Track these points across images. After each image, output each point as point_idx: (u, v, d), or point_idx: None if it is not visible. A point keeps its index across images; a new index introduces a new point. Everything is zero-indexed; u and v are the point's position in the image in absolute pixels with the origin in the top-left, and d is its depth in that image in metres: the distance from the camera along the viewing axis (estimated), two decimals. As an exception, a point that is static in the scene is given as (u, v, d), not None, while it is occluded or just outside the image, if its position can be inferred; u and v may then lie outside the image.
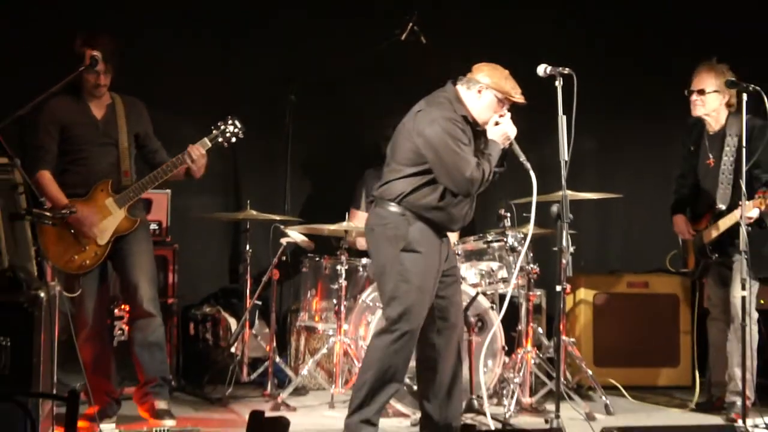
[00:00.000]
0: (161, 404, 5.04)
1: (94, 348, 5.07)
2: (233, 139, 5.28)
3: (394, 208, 4.57)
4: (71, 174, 5.07)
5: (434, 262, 4.56)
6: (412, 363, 5.38)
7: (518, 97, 4.60)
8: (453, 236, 5.44)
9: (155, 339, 5.11)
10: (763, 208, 5.14)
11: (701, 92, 5.40)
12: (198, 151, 5.09)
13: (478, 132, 4.67)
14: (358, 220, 6.32)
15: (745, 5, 6.83)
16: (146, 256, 5.14)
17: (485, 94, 4.60)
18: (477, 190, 4.54)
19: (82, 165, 5.07)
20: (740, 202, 4.98)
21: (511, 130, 4.63)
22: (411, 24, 6.22)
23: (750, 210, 5.10)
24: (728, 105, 5.45)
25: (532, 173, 4.55)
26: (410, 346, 4.55)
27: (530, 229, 4.67)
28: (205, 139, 5.20)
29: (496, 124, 4.63)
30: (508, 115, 4.64)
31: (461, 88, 4.63)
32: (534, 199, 4.55)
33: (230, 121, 5.27)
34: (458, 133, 4.47)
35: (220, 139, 5.23)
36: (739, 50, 6.56)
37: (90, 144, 5.09)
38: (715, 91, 5.38)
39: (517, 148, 4.67)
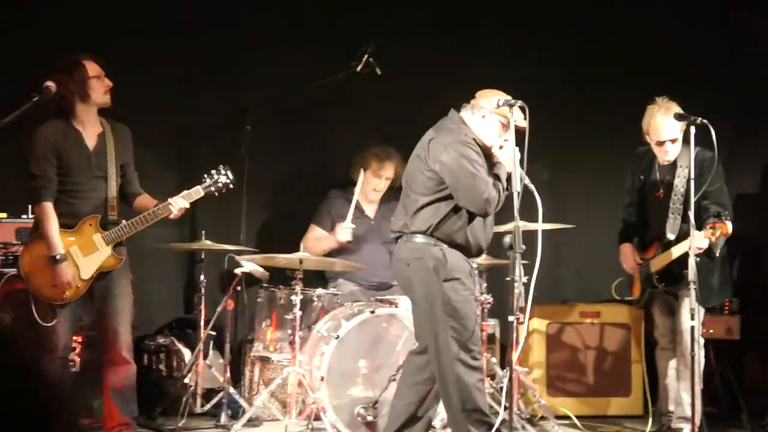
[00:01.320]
0: None
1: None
2: (224, 190, 5.29)
3: (425, 239, 4.68)
4: (60, 203, 4.99)
5: (471, 285, 4.71)
6: (368, 393, 5.37)
7: (521, 122, 4.70)
8: None
9: (129, 383, 5.13)
10: (713, 239, 5.17)
11: (674, 141, 5.42)
12: (181, 204, 5.09)
13: (485, 156, 4.76)
14: (313, 232, 6.36)
15: (693, 37, 6.92)
16: (127, 299, 5.14)
17: (489, 118, 4.73)
18: (494, 210, 4.68)
19: (72, 196, 5.01)
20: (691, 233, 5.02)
21: (517, 153, 4.72)
22: (367, 56, 6.23)
23: (700, 240, 5.13)
24: None
25: (536, 194, 4.63)
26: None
27: (539, 253, 4.66)
28: (199, 188, 5.20)
29: (500, 147, 4.75)
30: (512, 138, 4.71)
31: (466, 114, 4.76)
32: (540, 221, 4.63)
33: (223, 171, 5.29)
34: (473, 154, 4.60)
35: (212, 189, 5.25)
36: (685, 80, 6.65)
37: (81, 176, 5.03)
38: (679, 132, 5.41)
39: (521, 170, 4.72)
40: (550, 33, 6.97)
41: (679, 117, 5.25)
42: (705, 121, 4.91)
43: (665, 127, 5.39)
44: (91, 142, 5.07)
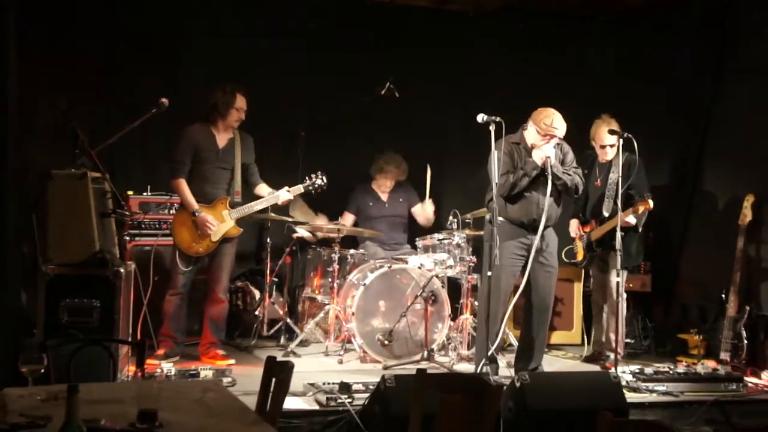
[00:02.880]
0: (221, 351, 5.26)
1: (175, 304, 5.19)
2: (319, 190, 5.44)
3: (486, 211, 4.85)
4: (193, 185, 5.16)
5: (509, 249, 4.75)
6: (385, 325, 5.41)
7: (551, 130, 4.74)
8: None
9: (222, 315, 5.30)
10: (638, 213, 5.28)
11: (612, 145, 5.53)
12: (285, 197, 5.27)
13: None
14: (344, 219, 6.35)
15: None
16: (232, 257, 5.32)
17: (530, 127, 4.82)
18: (507, 193, 4.74)
19: (202, 181, 5.17)
20: (619, 213, 5.08)
21: (548, 153, 4.77)
22: (389, 84, 6.22)
23: (628, 216, 5.23)
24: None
25: (553, 180, 4.74)
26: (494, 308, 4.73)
27: (543, 219, 4.72)
28: (300, 186, 5.38)
29: (534, 148, 4.82)
30: (546, 141, 4.76)
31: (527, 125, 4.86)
32: (547, 201, 4.69)
33: (320, 176, 5.43)
34: (500, 155, 4.67)
35: (310, 188, 5.41)
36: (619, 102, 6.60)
37: (210, 166, 5.18)
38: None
39: (551, 164, 4.75)
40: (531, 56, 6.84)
41: (612, 132, 5.32)
42: (630, 135, 5.00)
43: (609, 134, 5.46)
44: (221, 143, 5.22)
